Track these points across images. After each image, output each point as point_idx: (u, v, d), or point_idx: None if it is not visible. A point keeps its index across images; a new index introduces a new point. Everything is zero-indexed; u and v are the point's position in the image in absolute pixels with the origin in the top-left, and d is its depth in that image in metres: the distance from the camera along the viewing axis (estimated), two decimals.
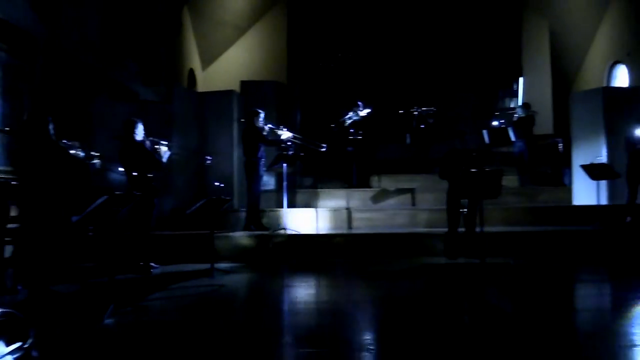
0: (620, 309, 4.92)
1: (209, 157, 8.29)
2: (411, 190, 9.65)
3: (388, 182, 10.56)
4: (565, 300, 5.23)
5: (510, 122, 10.58)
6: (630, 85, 11.68)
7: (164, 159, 6.87)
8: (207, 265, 6.40)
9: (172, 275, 6.54)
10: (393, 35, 14.69)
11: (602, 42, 13.12)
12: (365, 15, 14.80)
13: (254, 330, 4.18)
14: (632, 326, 4.24)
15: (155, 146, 6.80)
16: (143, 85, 11.11)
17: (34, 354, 3.34)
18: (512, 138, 10.25)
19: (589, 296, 5.49)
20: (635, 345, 3.66)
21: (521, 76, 14.63)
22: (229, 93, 9.38)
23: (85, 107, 8.37)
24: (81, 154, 5.79)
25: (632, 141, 8.02)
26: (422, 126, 11.10)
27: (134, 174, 6.49)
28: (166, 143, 6.88)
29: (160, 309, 5.00)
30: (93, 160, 6.04)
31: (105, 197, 4.74)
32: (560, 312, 4.66)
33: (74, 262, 6.38)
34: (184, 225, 8.03)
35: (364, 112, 9.97)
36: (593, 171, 8.05)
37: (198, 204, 6.39)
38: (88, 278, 6.06)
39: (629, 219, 8.00)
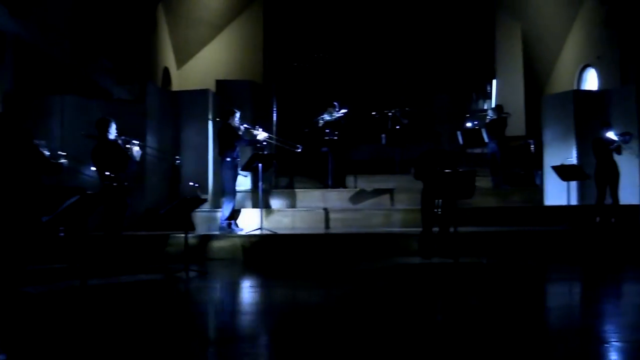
0: (589, 307, 5.03)
1: (177, 158, 8.21)
2: (387, 191, 9.71)
3: (364, 183, 10.60)
4: (536, 299, 5.32)
5: (483, 124, 10.73)
6: (599, 88, 11.95)
7: (137, 159, 6.78)
8: (181, 266, 6.33)
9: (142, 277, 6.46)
10: (369, 36, 14.76)
11: (573, 45, 13.40)
12: (341, 16, 14.83)
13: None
14: (602, 324, 4.34)
15: (127, 145, 6.71)
16: (117, 83, 10.94)
17: None
18: (486, 139, 10.38)
19: (559, 294, 5.59)
20: (604, 342, 3.75)
21: (494, 78, 14.83)
22: (204, 92, 9.30)
23: (55, 105, 8.19)
24: (47, 153, 5.66)
25: (600, 143, 8.20)
26: (398, 127, 11.17)
27: (106, 173, 6.39)
28: (138, 142, 6.79)
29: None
30: (60, 160, 5.91)
31: (77, 197, 4.66)
32: (532, 310, 4.74)
33: (44, 263, 6.25)
34: (158, 225, 7.94)
35: (338, 114, 10.02)
36: (563, 172, 8.21)
37: (172, 204, 6.32)
38: (59, 279, 5.94)
39: (598, 219, 8.18)
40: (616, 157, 8.18)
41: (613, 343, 3.71)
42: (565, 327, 4.24)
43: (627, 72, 10.97)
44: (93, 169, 6.59)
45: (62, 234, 6.64)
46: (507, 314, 4.54)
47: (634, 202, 8.58)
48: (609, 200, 8.19)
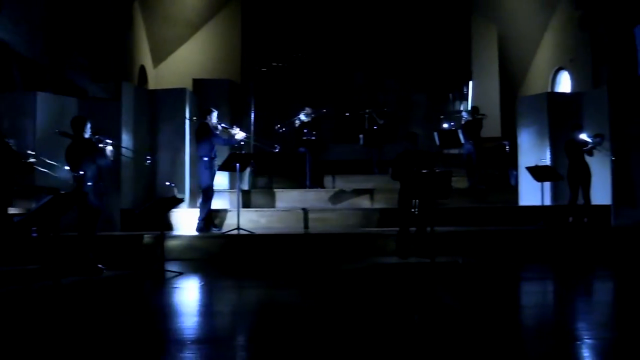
0: (562, 305, 5.13)
1: (148, 157, 8.11)
2: (365, 191, 9.76)
3: (342, 183, 10.64)
4: (511, 298, 5.40)
5: (459, 125, 10.84)
6: (572, 90, 12.18)
7: (111, 158, 6.68)
8: (157, 266, 6.27)
9: (114, 277, 6.38)
10: (347, 35, 14.78)
11: (547, 48, 13.64)
12: (319, 15, 14.83)
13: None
14: (574, 322, 4.42)
15: (100, 144, 6.60)
16: (92, 81, 10.77)
17: None
18: (462, 140, 10.49)
19: (533, 293, 5.69)
20: (577, 340, 3.82)
21: (471, 80, 15.00)
22: (181, 91, 9.21)
23: (28, 102, 8.02)
24: (18, 151, 5.55)
25: (573, 145, 8.35)
26: (375, 127, 11.22)
27: (80, 172, 6.28)
28: (111, 142, 6.69)
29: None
30: (29, 159, 5.80)
31: (50, 197, 4.58)
32: (506, 309, 4.81)
33: (17, 264, 6.13)
34: (134, 225, 7.85)
35: (312, 115, 10.07)
36: (537, 173, 8.34)
37: (148, 204, 6.25)
38: (32, 281, 5.83)
39: (571, 219, 8.34)
40: (588, 159, 8.35)
41: (586, 341, 3.79)
42: (539, 326, 4.31)
43: (599, 75, 11.21)
44: (67, 168, 6.48)
45: (34, 235, 6.51)
46: (483, 312, 4.60)
47: (606, 202, 8.77)
48: (581, 201, 8.35)
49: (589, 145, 8.28)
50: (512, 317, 4.55)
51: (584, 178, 8.26)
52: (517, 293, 5.73)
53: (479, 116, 10.63)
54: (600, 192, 8.79)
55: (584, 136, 8.36)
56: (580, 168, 8.26)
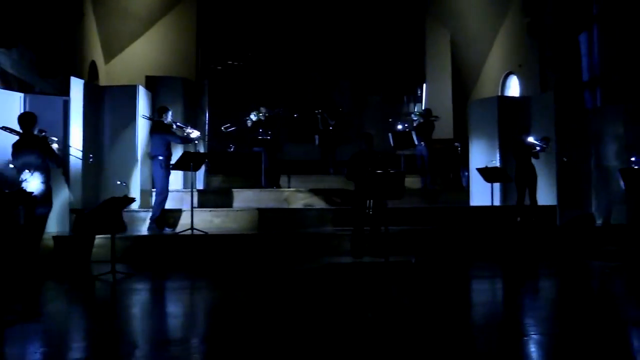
0: (510, 302, 5.29)
1: (91, 156, 7.89)
2: (320, 191, 9.78)
3: (298, 183, 10.64)
4: (461, 295, 5.53)
5: (413, 126, 11.02)
6: (520, 94, 12.58)
7: (60, 156, 6.47)
8: (108, 268, 6.11)
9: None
10: (303, 36, 14.81)
11: (497, 54, 14.04)
12: (276, 14, 14.79)
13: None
14: (521, 318, 4.58)
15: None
16: (39, 76, 10.38)
17: None
18: (416, 142, 10.66)
19: (483, 291, 5.85)
20: (524, 335, 3.96)
21: (424, 83, 15.29)
22: (133, 88, 8.98)
23: None
24: None
25: (520, 147, 8.62)
26: (331, 127, 11.28)
27: (26, 171, 6.05)
28: (56, 139, 6.48)
29: None
30: None
31: None
32: (457, 306, 4.92)
33: None
34: (84, 226, 7.60)
35: (266, 114, 10.06)
36: (487, 174, 8.56)
37: (98, 204, 6.09)
38: None
39: (519, 219, 8.60)
40: (535, 161, 8.63)
41: (532, 336, 3.92)
42: (488, 322, 4.44)
43: (546, 80, 11.62)
44: (11, 166, 6.24)
45: None
46: (435, 310, 4.70)
47: (552, 203, 9.10)
48: (529, 201, 8.63)
49: (537, 149, 8.57)
50: (463, 314, 4.67)
51: (530, 180, 8.53)
52: (468, 291, 5.88)
53: (432, 118, 10.83)
54: (547, 193, 9.12)
55: (531, 139, 8.64)
56: (527, 170, 8.53)
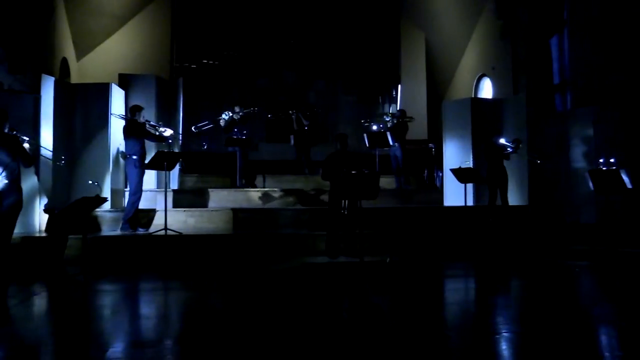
0: (482, 301, 5.37)
1: (62, 158, 7.74)
2: (295, 191, 9.78)
3: (273, 183, 10.62)
4: (435, 294, 5.59)
5: (387, 127, 11.07)
6: (493, 96, 12.77)
7: (31, 154, 6.32)
8: (79, 269, 6.01)
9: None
10: (279, 35, 14.79)
11: (471, 56, 14.22)
12: (252, 13, 14.73)
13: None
14: (493, 316, 4.65)
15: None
16: (8, 73, 10.14)
17: None
18: (391, 142, 10.72)
19: (456, 290, 5.93)
20: (496, 334, 4.02)
21: (399, 84, 15.40)
22: (105, 86, 8.86)
23: None
24: None
25: (492, 149, 8.75)
26: (305, 128, 11.27)
27: None
28: (27, 139, 6.33)
29: None
30: None
31: None
32: (431, 305, 4.98)
33: None
34: (56, 226, 7.44)
35: (239, 115, 10.03)
36: (461, 175, 8.67)
37: (69, 203, 5.98)
38: None
39: (491, 219, 8.73)
40: (506, 162, 8.78)
41: (503, 334, 3.99)
42: (461, 321, 4.50)
43: (518, 82, 11.82)
44: None
45: None
46: (408, 309, 4.74)
47: (524, 203, 9.26)
48: (500, 202, 8.76)
49: (508, 150, 8.71)
50: (436, 313, 4.72)
51: (501, 181, 8.66)
52: (441, 290, 5.95)
53: (407, 119, 10.90)
54: (518, 194, 9.28)
55: (502, 141, 8.78)
56: (498, 171, 8.66)
